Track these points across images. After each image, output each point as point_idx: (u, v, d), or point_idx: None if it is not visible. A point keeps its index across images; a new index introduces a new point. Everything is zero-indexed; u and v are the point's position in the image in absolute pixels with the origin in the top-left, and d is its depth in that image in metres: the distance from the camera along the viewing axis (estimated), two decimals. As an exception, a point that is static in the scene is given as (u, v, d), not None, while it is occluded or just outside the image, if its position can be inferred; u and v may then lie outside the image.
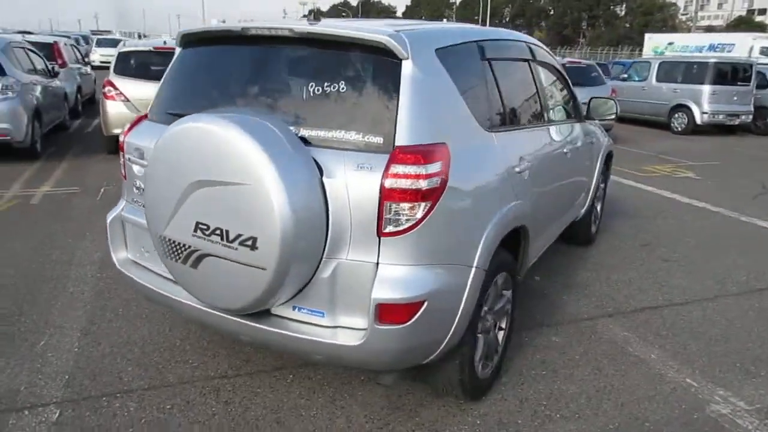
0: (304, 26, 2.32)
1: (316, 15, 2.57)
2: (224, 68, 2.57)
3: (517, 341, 3.34)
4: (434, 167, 2.12)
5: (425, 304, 2.13)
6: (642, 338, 3.47)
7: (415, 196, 2.07)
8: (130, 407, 2.65)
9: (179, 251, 2.27)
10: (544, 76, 3.59)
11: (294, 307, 2.27)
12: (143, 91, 7.30)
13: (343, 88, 2.21)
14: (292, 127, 2.21)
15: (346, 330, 2.18)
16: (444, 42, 2.47)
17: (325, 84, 2.23)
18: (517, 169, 2.74)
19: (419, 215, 2.09)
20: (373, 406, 2.72)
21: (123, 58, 8.27)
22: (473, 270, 2.30)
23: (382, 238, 2.10)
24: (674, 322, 3.70)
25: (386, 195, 2.06)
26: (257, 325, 2.28)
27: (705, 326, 3.66)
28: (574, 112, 4.16)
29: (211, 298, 2.31)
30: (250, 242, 2.05)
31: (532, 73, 3.36)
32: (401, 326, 2.11)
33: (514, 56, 3.33)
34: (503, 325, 2.95)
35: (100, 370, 2.93)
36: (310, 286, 2.20)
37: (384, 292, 2.09)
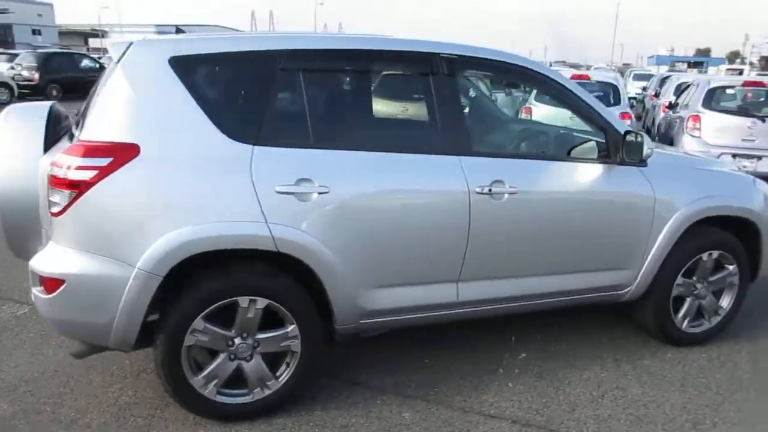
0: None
1: (178, 29, 2.95)
2: None
3: (366, 398, 2.88)
4: (91, 161, 2.28)
5: (65, 283, 2.33)
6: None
7: (62, 183, 2.30)
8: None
9: None
10: (480, 96, 2.88)
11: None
12: None
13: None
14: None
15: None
16: (190, 51, 2.49)
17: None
18: (283, 190, 2.45)
19: (66, 202, 2.30)
20: (153, 389, 2.89)
21: None
22: (135, 270, 2.31)
23: (51, 216, 2.39)
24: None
25: (48, 179, 2.37)
26: None
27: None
28: (590, 150, 3.04)
29: None
30: None
31: (431, 90, 2.76)
32: (48, 296, 2.38)
33: (373, 69, 2.89)
34: (288, 361, 2.68)
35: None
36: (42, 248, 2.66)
37: (36, 262, 2.42)
